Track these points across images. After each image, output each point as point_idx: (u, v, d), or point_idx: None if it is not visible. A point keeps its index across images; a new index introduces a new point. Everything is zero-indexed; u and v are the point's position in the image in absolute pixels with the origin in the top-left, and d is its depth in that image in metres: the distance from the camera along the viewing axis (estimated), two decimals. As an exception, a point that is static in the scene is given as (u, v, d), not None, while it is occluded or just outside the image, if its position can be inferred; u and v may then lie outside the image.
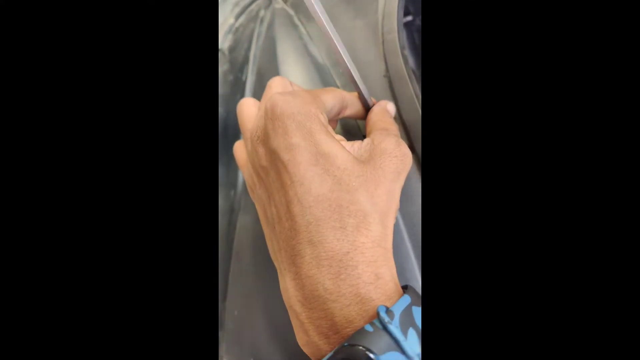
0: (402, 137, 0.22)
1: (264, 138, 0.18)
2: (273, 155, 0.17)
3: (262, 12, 0.46)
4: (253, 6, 0.53)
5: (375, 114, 0.21)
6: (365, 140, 0.18)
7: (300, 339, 0.16)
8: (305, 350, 0.16)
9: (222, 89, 0.45)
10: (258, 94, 0.36)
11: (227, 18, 0.53)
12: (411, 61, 0.53)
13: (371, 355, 0.12)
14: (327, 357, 0.13)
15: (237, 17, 0.53)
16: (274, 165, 0.17)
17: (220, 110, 0.43)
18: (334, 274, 0.15)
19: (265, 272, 0.25)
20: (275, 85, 0.21)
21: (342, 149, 0.17)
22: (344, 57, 0.19)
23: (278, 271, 0.18)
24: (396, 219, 0.21)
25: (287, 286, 0.16)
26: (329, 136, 0.17)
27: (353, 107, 0.21)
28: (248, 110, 0.21)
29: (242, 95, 0.38)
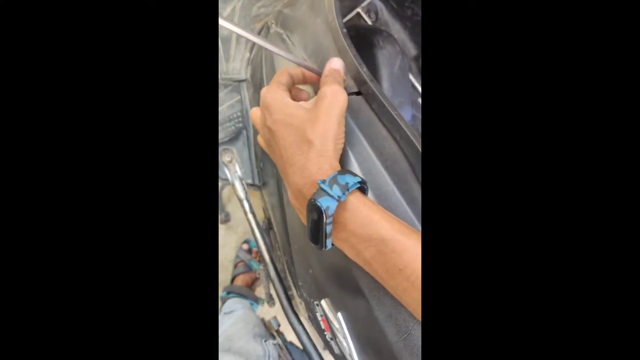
0: (352, 87, 0.32)
1: (264, 121, 0.30)
2: (269, 129, 0.29)
3: (264, 40, 0.59)
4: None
5: (322, 78, 0.31)
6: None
7: (303, 221, 0.27)
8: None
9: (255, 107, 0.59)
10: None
11: (244, 54, 0.67)
12: (392, 25, 0.60)
13: (314, 202, 0.23)
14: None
15: (251, 50, 0.67)
16: (271, 135, 0.29)
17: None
18: (300, 176, 0.26)
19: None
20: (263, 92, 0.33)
21: (298, 107, 0.28)
22: (278, 52, 0.30)
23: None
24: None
25: (289, 196, 0.28)
26: (289, 103, 0.28)
27: (298, 77, 0.32)
28: (254, 114, 0.34)
29: (265, 105, 0.51)
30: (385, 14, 0.61)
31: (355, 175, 0.25)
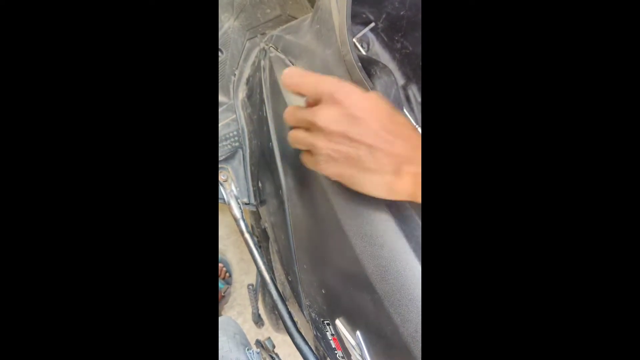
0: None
1: (339, 113, 0.29)
2: (354, 117, 0.29)
3: (262, 62, 0.60)
4: (254, 58, 0.68)
5: None
6: None
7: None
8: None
9: (251, 126, 0.60)
10: (277, 124, 0.50)
11: (243, 72, 0.68)
12: (382, 55, 0.65)
13: None
14: None
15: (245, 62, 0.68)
16: (355, 122, 0.29)
17: (254, 141, 0.58)
18: (407, 148, 0.28)
19: (318, 241, 0.38)
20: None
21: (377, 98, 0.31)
22: None
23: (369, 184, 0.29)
24: None
25: (389, 166, 0.28)
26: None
27: None
28: (291, 111, 0.34)
29: (268, 128, 0.52)
30: (376, 45, 0.66)
31: None
